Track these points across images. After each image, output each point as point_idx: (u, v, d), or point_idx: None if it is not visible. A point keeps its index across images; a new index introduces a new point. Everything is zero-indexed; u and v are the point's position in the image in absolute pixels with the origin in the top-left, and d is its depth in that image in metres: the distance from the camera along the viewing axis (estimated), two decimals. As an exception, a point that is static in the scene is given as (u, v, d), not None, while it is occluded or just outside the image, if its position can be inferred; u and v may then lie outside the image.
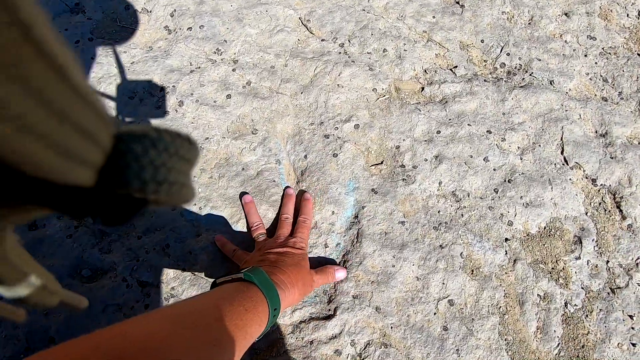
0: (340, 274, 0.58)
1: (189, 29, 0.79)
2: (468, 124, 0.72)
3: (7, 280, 0.17)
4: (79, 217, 0.13)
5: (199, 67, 0.75)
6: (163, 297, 0.57)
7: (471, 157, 0.69)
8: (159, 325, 0.33)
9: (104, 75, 0.73)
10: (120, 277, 0.58)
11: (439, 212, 0.65)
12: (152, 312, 0.37)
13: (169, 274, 0.58)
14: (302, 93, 0.73)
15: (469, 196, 0.66)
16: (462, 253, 0.62)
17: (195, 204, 0.63)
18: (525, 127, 0.72)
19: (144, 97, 0.71)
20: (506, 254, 0.62)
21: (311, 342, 0.55)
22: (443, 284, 0.59)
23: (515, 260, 0.62)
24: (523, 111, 0.74)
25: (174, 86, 0.72)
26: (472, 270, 0.61)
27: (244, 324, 0.39)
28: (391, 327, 0.56)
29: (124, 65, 0.74)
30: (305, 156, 0.68)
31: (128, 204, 0.13)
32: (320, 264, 0.60)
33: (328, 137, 0.70)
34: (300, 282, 0.51)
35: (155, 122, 0.69)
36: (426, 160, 0.68)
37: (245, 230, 0.63)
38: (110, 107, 0.70)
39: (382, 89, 0.75)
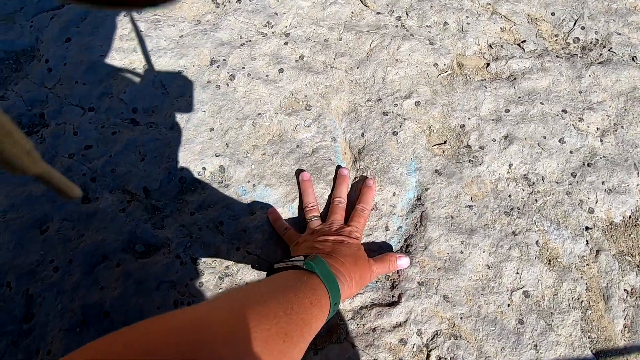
0: (403, 261, 0.53)
1: (238, 1, 0.75)
2: (540, 103, 0.65)
3: (15, 158, 0.15)
4: None
5: (250, 41, 0.71)
6: (217, 276, 0.55)
7: (545, 138, 0.63)
8: (226, 314, 0.31)
9: (153, 49, 0.71)
10: (174, 254, 0.55)
11: (509, 196, 0.59)
12: (217, 300, 0.34)
13: (223, 252, 0.56)
14: (357, 68, 0.69)
15: (543, 180, 0.60)
16: (537, 241, 0.56)
17: (249, 181, 0.60)
18: (605, 106, 0.65)
19: (194, 71, 0.69)
20: (587, 243, 0.56)
21: (374, 330, 0.52)
22: (517, 273, 0.54)
23: (597, 251, 0.56)
24: (602, 89, 0.67)
25: (224, 60, 0.69)
26: (549, 260, 0.56)
27: (309, 319, 0.36)
28: (461, 318, 0.52)
29: (173, 39, 0.72)
30: (363, 134, 0.64)
31: None
32: (380, 248, 0.56)
33: (387, 115, 0.65)
34: (358, 274, 0.48)
35: (205, 97, 0.66)
36: (494, 140, 0.63)
37: (300, 209, 0.59)
38: (160, 81, 0.68)
39: (444, 65, 0.69)
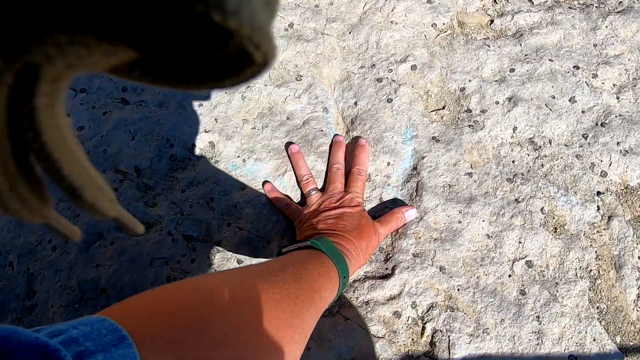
0: (411, 212, 0.52)
1: (226, -29, 0.72)
2: (549, 60, 0.60)
3: (86, 190, 0.13)
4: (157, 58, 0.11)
5: (238, 11, 0.69)
6: (209, 252, 0.54)
7: (553, 97, 0.58)
8: (239, 281, 0.34)
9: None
10: (166, 231, 0.55)
11: (513, 162, 0.56)
12: (230, 271, 0.38)
13: (214, 228, 0.55)
14: (350, 33, 0.65)
15: (550, 143, 0.56)
16: (542, 208, 0.53)
17: (238, 156, 0.59)
18: (624, 60, 0.59)
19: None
20: (598, 209, 0.52)
21: (367, 303, 0.50)
22: (519, 242, 0.51)
23: (610, 217, 0.52)
24: (620, 41, 0.60)
25: (212, 33, 0.67)
26: (556, 228, 0.52)
27: (319, 287, 0.39)
28: (458, 289, 0.50)
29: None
30: (356, 103, 0.61)
31: (209, 39, 0.10)
32: (386, 208, 0.55)
33: (381, 81, 0.62)
34: (364, 244, 0.48)
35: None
36: (497, 103, 0.59)
37: (292, 181, 0.58)
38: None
39: (443, 24, 0.65)
